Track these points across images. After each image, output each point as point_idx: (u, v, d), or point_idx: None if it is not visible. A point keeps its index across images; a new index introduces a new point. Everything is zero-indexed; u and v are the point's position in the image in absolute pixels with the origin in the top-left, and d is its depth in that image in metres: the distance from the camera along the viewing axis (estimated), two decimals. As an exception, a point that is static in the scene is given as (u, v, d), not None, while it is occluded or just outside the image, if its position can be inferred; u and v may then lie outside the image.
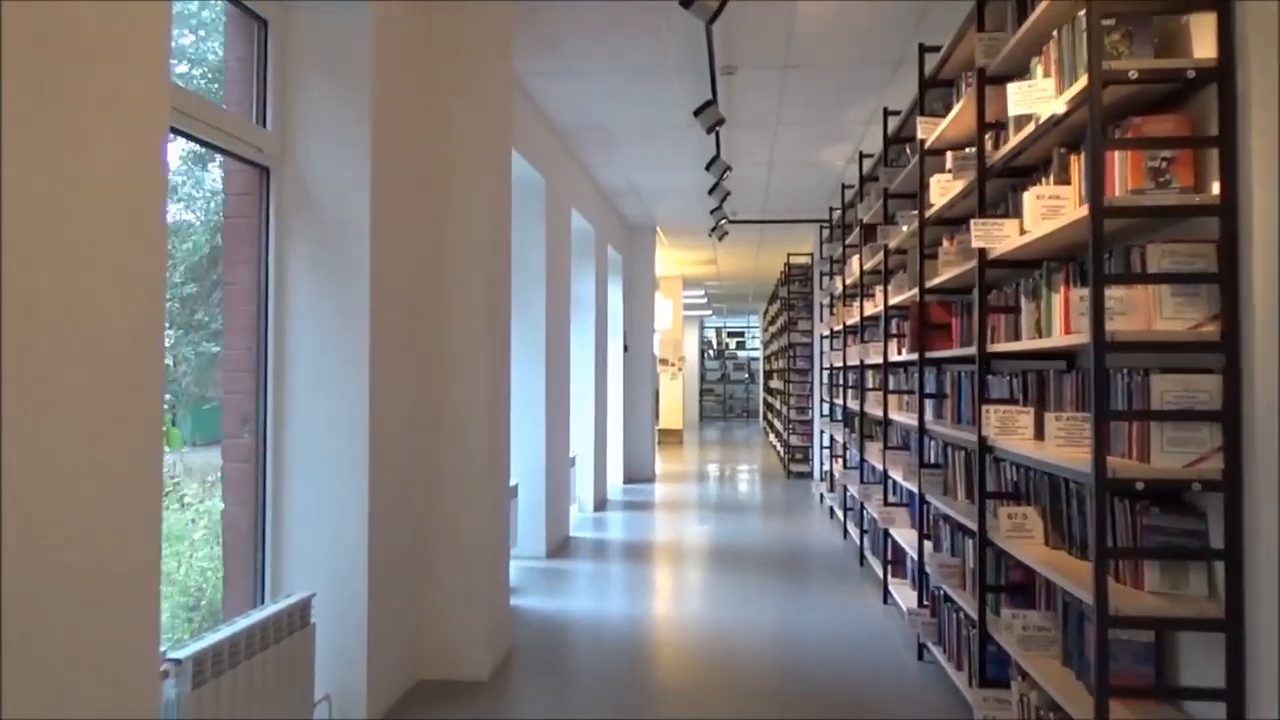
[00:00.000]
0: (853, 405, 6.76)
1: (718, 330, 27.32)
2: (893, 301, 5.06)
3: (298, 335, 3.36)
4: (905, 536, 4.81)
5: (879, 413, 5.54)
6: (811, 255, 11.27)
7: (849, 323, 7.03)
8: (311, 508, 3.33)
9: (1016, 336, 3.22)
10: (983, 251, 3.29)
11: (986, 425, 3.17)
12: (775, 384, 15.52)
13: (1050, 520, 2.95)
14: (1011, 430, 3.04)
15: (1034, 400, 3.11)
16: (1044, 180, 3.00)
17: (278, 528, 3.34)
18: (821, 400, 9.31)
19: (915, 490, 4.35)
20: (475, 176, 4.05)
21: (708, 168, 7.19)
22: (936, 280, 4.01)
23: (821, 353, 9.30)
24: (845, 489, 7.17)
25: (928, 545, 4.31)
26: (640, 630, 4.81)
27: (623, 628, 4.85)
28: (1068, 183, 2.75)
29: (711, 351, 27.04)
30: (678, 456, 14.66)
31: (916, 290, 4.31)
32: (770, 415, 17.32)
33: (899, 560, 5.26)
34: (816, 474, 10.94)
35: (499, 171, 4.21)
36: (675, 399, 17.36)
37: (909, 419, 4.69)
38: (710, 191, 7.31)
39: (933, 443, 4.33)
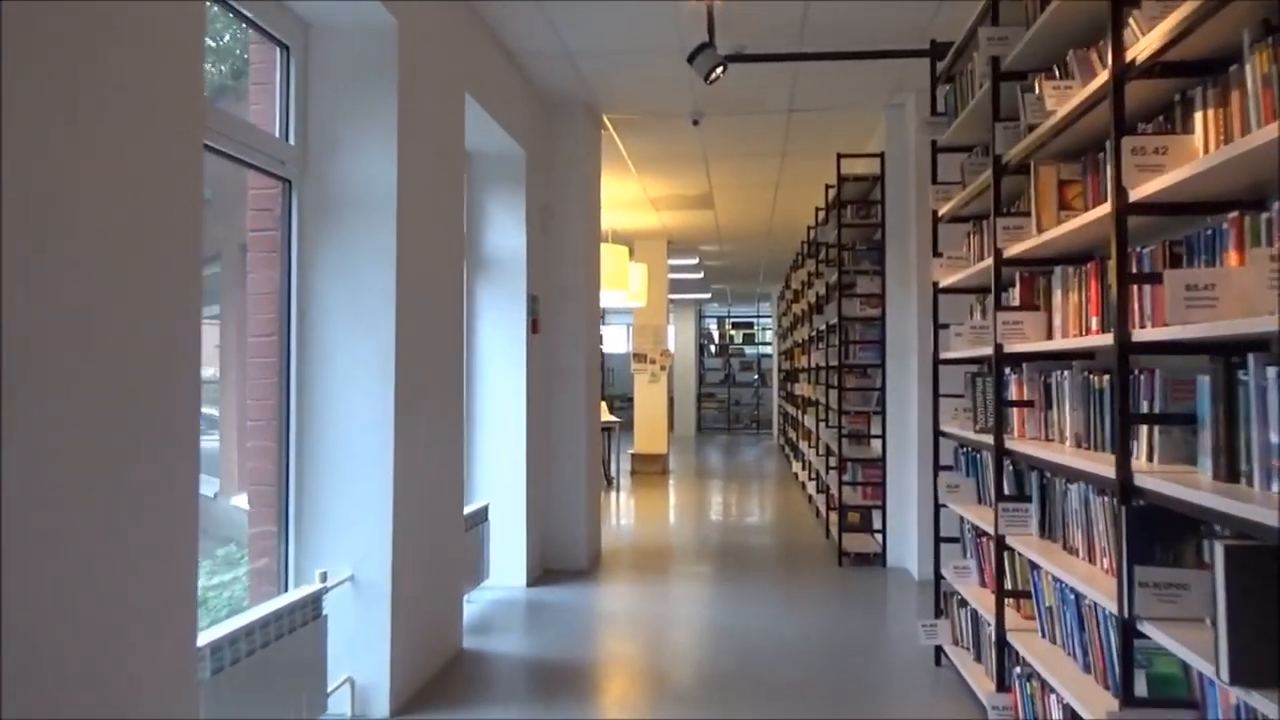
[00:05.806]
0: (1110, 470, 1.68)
1: (720, 320, 22.16)
2: None
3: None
4: None
5: None
6: (882, 156, 6.13)
7: (1141, 197, 1.94)
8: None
9: None
10: None
11: None
12: (802, 389, 10.33)
13: None
14: None
15: None
16: None
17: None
18: (938, 433, 4.19)
19: None
20: None
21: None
22: None
23: (937, 329, 4.19)
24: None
25: None
26: None
27: None
28: None
29: (713, 347, 21.89)
30: (656, 502, 9.54)
31: None
32: (792, 432, 12.16)
33: None
34: (893, 556, 5.83)
35: None
36: (657, 411, 12.13)
37: None
38: None
39: None
